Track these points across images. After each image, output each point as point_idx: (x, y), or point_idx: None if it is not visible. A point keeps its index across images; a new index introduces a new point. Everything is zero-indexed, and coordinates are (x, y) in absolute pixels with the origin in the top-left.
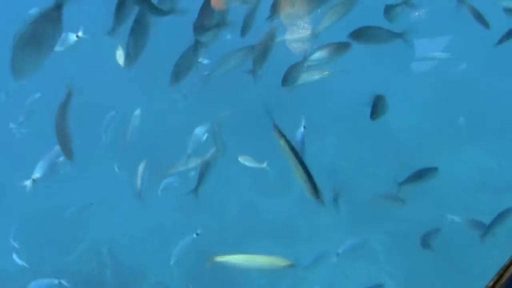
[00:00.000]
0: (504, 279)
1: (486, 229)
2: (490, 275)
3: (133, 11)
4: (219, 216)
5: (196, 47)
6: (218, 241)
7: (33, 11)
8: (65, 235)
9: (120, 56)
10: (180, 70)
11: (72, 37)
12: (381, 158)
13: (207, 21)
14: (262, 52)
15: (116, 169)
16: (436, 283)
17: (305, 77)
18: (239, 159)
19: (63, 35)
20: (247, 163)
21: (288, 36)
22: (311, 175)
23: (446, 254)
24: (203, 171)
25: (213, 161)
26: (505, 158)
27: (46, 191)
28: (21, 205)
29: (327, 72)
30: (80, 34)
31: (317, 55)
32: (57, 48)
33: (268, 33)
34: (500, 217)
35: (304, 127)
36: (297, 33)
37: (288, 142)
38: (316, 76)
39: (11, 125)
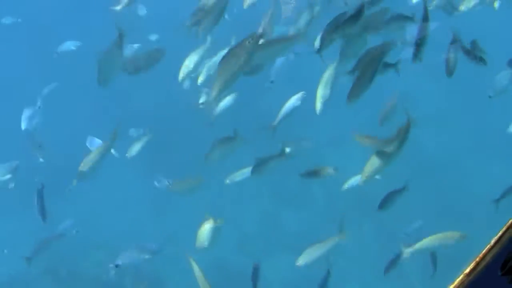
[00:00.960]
0: (480, 266)
1: None
2: None
3: None
4: (238, 226)
5: None
6: (238, 252)
7: (5, 20)
8: (81, 239)
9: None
10: None
11: None
12: (408, 174)
13: None
14: None
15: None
16: None
17: None
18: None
19: None
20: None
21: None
22: None
23: None
24: None
25: None
26: None
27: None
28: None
29: None
30: None
31: None
32: None
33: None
34: None
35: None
36: None
37: None
38: None
39: None
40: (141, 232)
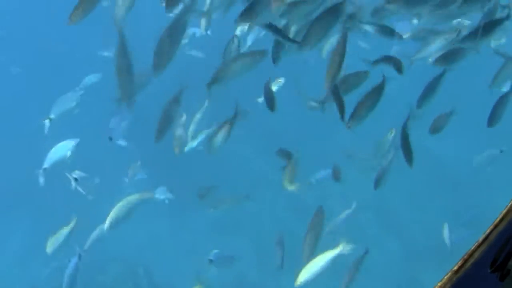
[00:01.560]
0: (468, 264)
1: None
2: None
3: None
4: (255, 241)
5: None
6: (256, 268)
7: None
8: (96, 252)
9: None
10: None
11: None
12: (430, 190)
13: None
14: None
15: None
16: None
17: None
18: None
19: None
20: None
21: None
22: None
23: None
24: None
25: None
26: None
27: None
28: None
29: None
30: None
31: None
32: None
33: None
34: None
35: None
36: None
37: None
38: None
39: None
40: (158, 245)
